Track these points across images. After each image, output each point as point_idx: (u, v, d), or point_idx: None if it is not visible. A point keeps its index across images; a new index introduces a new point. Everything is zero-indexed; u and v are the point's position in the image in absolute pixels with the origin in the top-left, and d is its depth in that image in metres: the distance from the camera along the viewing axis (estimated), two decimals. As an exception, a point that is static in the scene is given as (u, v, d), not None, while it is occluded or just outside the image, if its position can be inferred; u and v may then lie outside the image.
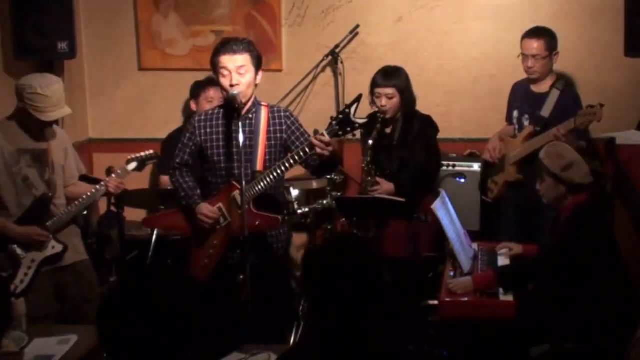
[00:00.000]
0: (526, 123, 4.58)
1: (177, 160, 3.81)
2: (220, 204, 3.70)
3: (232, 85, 3.58)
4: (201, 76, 5.05)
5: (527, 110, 4.59)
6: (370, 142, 4.36)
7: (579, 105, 4.35)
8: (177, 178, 3.80)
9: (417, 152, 4.46)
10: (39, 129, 3.78)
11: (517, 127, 4.65)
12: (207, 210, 3.68)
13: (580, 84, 5.00)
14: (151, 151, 4.01)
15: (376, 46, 5.33)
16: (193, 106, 4.88)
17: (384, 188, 4.40)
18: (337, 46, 5.28)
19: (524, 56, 4.48)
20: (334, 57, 5.30)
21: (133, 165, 3.96)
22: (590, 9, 5.11)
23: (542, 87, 4.56)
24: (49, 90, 3.64)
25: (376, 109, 4.47)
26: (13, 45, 4.80)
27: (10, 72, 4.79)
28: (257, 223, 3.55)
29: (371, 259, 2.19)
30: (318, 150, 3.43)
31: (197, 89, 4.83)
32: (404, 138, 4.46)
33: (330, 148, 3.44)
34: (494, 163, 4.71)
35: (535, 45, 4.44)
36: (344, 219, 4.73)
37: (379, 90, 4.40)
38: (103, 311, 1.90)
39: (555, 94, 4.49)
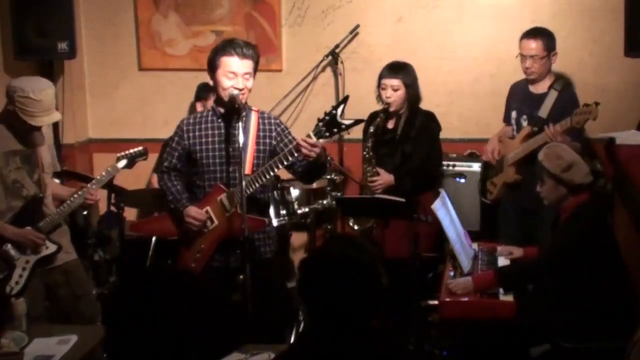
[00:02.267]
0: (524, 123, 4.58)
1: (166, 164, 3.80)
2: (208, 208, 3.69)
3: (236, 88, 3.56)
4: (201, 76, 5.03)
5: (525, 110, 4.59)
6: (372, 129, 4.37)
7: (577, 106, 4.36)
8: (165, 182, 3.79)
9: (420, 146, 4.48)
10: (28, 133, 3.75)
11: (515, 127, 4.65)
12: (195, 212, 3.68)
13: (580, 84, 5.00)
14: (140, 148, 4.02)
15: (376, 46, 5.33)
16: (199, 108, 4.86)
17: (384, 179, 4.42)
18: (337, 46, 5.28)
19: (522, 56, 4.49)
20: (334, 57, 5.30)
21: (123, 162, 3.97)
22: (590, 9, 5.11)
23: (540, 88, 4.56)
24: (41, 95, 3.60)
25: (382, 105, 4.48)
26: (13, 45, 4.80)
27: (10, 72, 4.80)
28: (243, 225, 3.55)
29: (367, 263, 2.18)
30: (304, 151, 3.43)
31: (206, 92, 4.80)
32: (407, 132, 4.47)
33: (316, 149, 3.44)
34: (493, 164, 4.72)
35: (533, 46, 4.44)
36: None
37: (385, 81, 4.41)
38: (107, 313, 1.91)
39: (553, 95, 4.50)
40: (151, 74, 5.58)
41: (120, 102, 5.64)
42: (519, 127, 4.61)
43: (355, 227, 4.59)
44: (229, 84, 3.58)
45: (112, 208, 4.51)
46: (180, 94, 5.43)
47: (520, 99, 4.65)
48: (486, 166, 4.80)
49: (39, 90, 3.61)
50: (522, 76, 4.63)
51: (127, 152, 3.99)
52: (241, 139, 3.45)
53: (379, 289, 2.17)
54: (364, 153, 4.45)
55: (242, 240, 3.45)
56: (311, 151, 3.43)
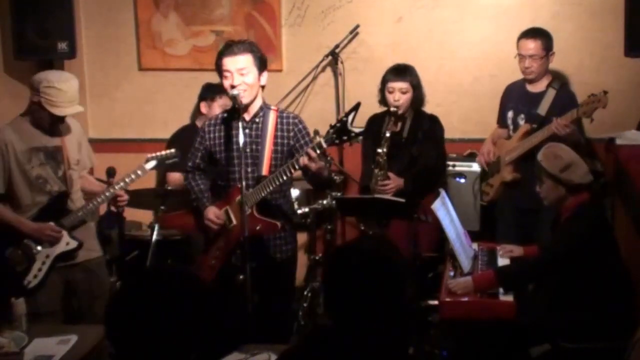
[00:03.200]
0: (521, 122, 4.57)
1: (190, 164, 3.88)
2: (227, 207, 3.73)
3: (232, 86, 3.59)
4: (201, 76, 5.05)
5: (522, 109, 4.59)
6: (388, 134, 4.37)
7: (576, 104, 4.37)
8: (189, 181, 3.88)
9: (427, 150, 4.49)
10: (52, 125, 3.78)
11: (512, 127, 4.64)
12: (213, 214, 3.73)
13: (580, 84, 4.99)
14: (172, 150, 3.98)
15: (376, 46, 5.33)
16: (203, 108, 4.84)
17: (395, 183, 4.41)
18: (337, 46, 5.28)
19: (521, 56, 4.49)
20: (334, 57, 5.30)
21: (152, 164, 3.92)
22: (590, 9, 5.11)
23: (538, 87, 4.56)
24: (66, 85, 3.68)
25: (385, 108, 4.48)
26: (13, 45, 4.80)
27: (10, 72, 4.80)
28: (257, 227, 3.58)
29: (398, 265, 2.18)
30: (301, 161, 3.43)
31: (212, 93, 4.77)
32: (414, 135, 4.47)
33: (313, 165, 3.44)
34: (487, 167, 4.70)
35: (532, 46, 4.45)
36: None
37: (392, 84, 4.41)
38: (109, 312, 1.91)
39: (551, 93, 4.51)
40: (151, 74, 5.57)
41: (120, 102, 5.64)
42: (516, 126, 4.61)
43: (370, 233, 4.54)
44: (226, 83, 3.62)
45: (112, 208, 4.51)
46: (180, 94, 5.43)
47: (517, 98, 4.65)
48: (483, 169, 4.78)
49: (64, 80, 3.70)
50: (521, 76, 4.63)
51: (157, 153, 3.94)
52: (241, 139, 3.46)
53: (401, 296, 2.16)
54: (378, 158, 4.41)
55: (241, 240, 3.47)
56: (308, 164, 3.43)
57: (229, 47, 3.64)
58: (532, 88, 4.59)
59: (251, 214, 3.59)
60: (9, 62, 4.85)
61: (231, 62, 3.60)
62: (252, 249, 3.51)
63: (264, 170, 3.65)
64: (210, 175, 3.89)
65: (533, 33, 4.49)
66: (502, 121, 4.76)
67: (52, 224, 3.77)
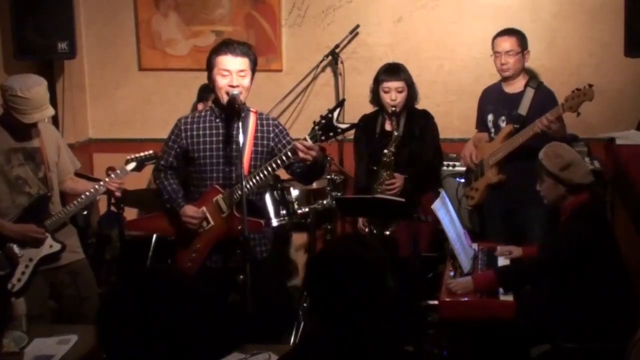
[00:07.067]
0: (503, 125, 4.56)
1: (162, 162, 3.79)
2: (204, 208, 3.68)
3: (231, 86, 3.57)
4: (201, 76, 5.01)
5: (502, 111, 4.58)
6: (396, 133, 4.37)
7: (555, 101, 4.38)
8: (161, 180, 3.77)
9: (426, 145, 4.49)
10: (24, 129, 3.77)
11: (493, 130, 4.62)
12: (192, 211, 3.67)
13: (580, 84, 4.97)
14: (151, 151, 4.01)
15: (376, 46, 5.33)
16: (201, 108, 4.84)
17: (400, 182, 4.40)
18: (337, 46, 5.28)
19: (497, 54, 4.52)
20: (334, 57, 5.30)
21: (132, 165, 3.96)
22: (590, 9, 5.11)
23: (516, 87, 4.57)
24: (30, 93, 3.62)
25: (376, 108, 4.47)
26: (13, 45, 4.80)
27: (10, 72, 4.79)
28: (239, 227, 3.52)
29: (373, 263, 2.18)
30: (300, 155, 3.43)
31: (208, 93, 4.73)
32: (411, 132, 4.47)
33: (312, 153, 3.44)
34: (472, 170, 4.67)
35: (507, 42, 4.49)
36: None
37: (388, 85, 4.41)
38: (102, 312, 1.90)
39: (530, 92, 4.51)
40: (151, 74, 5.58)
41: (120, 102, 5.65)
42: (497, 129, 4.58)
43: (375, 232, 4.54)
44: (223, 82, 3.59)
45: (112, 208, 4.52)
46: (180, 94, 5.43)
47: (495, 101, 4.64)
48: (467, 172, 4.76)
49: (27, 88, 3.63)
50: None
51: (136, 155, 3.98)
52: (241, 139, 3.45)
53: (383, 290, 2.17)
54: (384, 158, 4.39)
55: (241, 240, 3.45)
56: (307, 154, 3.44)
57: (231, 46, 3.61)
58: (510, 89, 4.59)
59: (232, 214, 3.59)
60: (9, 62, 4.85)
61: (232, 63, 3.58)
62: (228, 250, 3.56)
63: (244, 170, 3.60)
64: (181, 174, 3.83)
65: (508, 31, 4.54)
66: (481, 125, 4.74)
67: (33, 225, 3.76)
